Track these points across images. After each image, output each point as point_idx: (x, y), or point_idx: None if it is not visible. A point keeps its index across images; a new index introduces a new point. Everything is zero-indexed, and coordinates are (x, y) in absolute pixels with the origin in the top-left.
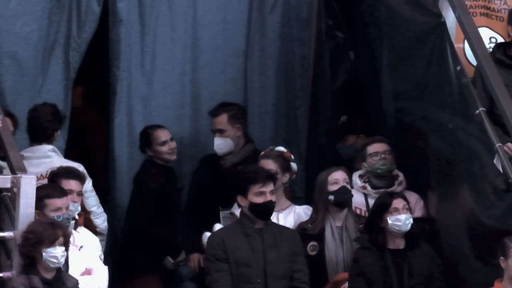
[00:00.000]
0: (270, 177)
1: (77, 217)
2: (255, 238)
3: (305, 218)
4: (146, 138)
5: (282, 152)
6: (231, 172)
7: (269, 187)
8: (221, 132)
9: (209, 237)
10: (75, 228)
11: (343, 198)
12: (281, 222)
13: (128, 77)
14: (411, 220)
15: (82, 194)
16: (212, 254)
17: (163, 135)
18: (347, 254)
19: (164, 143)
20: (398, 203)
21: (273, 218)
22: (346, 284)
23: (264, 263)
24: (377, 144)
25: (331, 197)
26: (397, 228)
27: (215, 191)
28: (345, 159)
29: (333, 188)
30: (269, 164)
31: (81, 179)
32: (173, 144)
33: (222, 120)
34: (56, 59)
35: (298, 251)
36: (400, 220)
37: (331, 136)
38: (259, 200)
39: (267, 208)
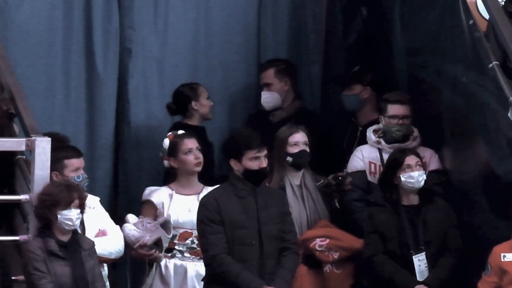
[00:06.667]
0: (264, 142)
1: None
2: (249, 200)
3: None
4: (189, 92)
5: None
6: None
7: (264, 152)
8: (268, 86)
9: (202, 200)
10: None
11: (301, 161)
12: None
13: (142, 37)
14: (424, 177)
15: None
16: (206, 217)
17: (204, 93)
18: (310, 211)
19: (208, 97)
20: (411, 159)
21: (194, 202)
22: (317, 241)
23: (258, 224)
24: (397, 106)
25: (289, 159)
26: (410, 185)
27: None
28: (347, 109)
29: (292, 150)
30: (196, 143)
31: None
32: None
33: (269, 74)
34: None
35: (286, 211)
36: (413, 177)
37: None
38: (254, 165)
39: (261, 174)
